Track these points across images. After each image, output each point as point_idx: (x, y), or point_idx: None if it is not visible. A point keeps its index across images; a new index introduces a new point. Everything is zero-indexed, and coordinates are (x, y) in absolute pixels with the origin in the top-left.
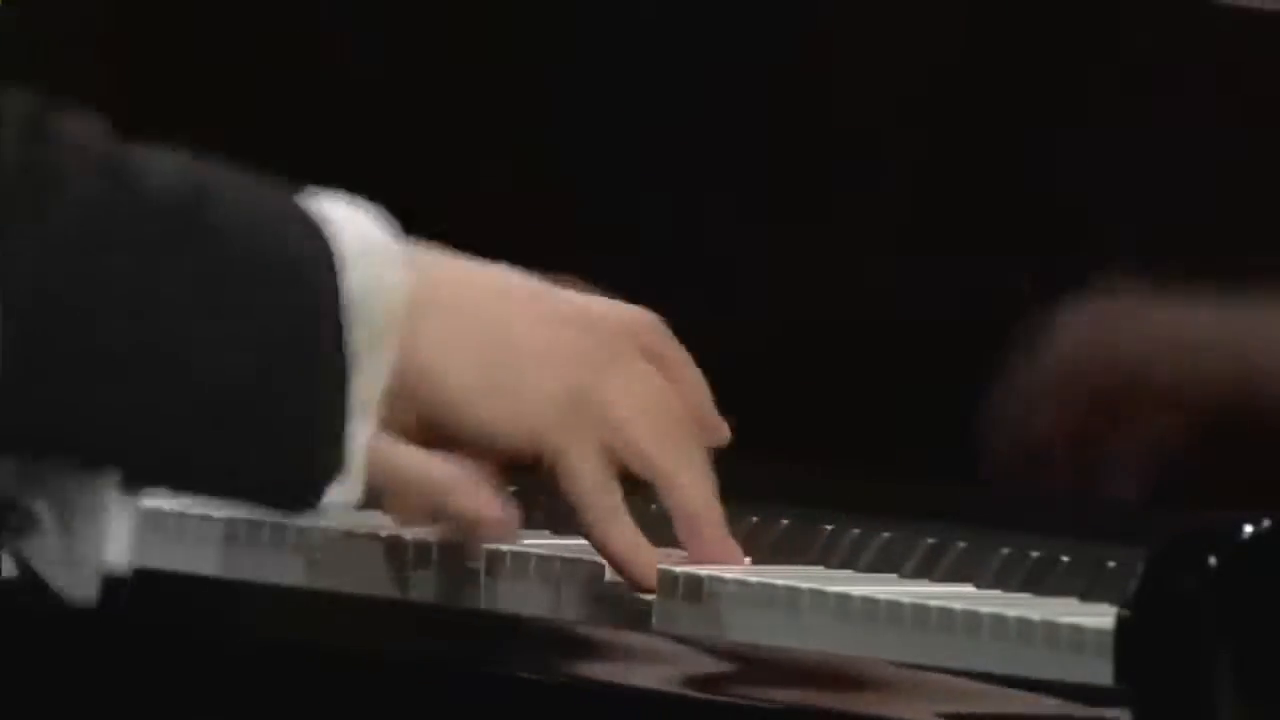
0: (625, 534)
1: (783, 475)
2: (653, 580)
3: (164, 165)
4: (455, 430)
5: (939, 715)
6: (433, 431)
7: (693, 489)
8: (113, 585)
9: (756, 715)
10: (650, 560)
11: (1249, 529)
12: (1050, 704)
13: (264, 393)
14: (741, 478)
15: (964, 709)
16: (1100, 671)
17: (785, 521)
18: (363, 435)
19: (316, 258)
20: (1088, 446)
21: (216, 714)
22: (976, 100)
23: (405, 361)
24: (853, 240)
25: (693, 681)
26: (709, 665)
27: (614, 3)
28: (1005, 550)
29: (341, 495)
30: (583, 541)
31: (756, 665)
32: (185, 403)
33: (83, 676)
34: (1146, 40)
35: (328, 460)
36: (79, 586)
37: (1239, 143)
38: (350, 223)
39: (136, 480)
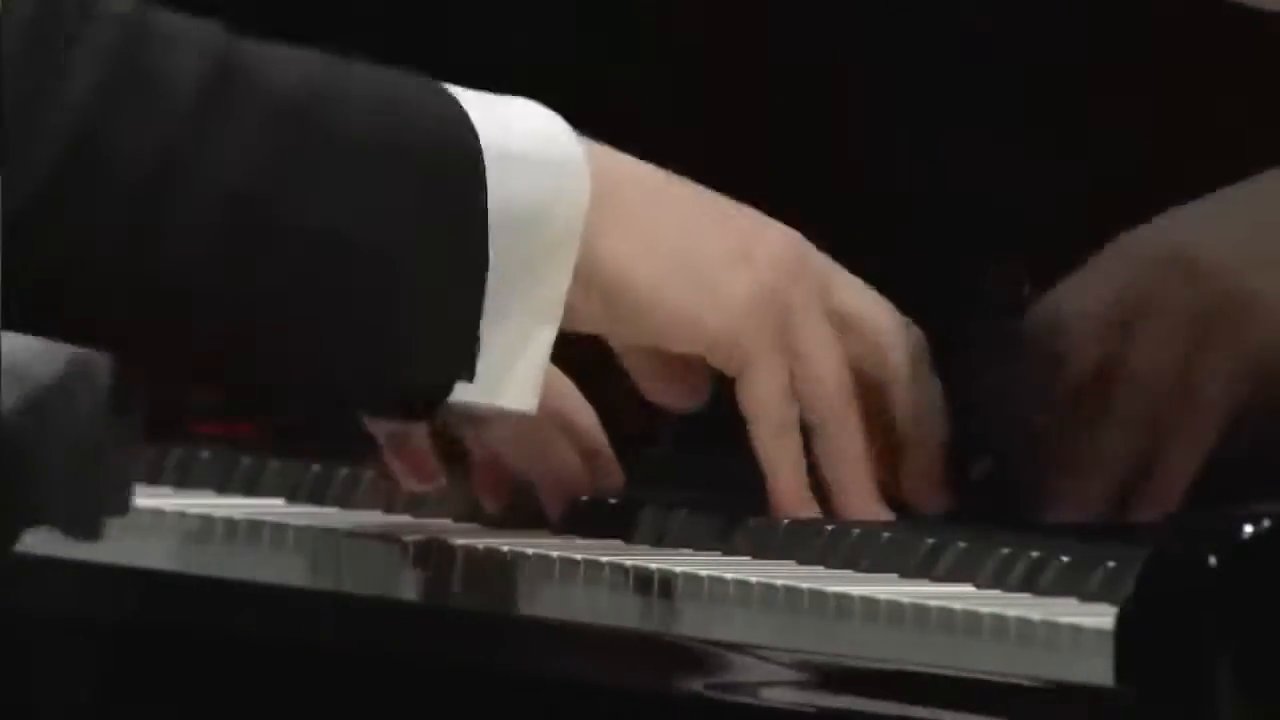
0: (792, 454)
1: None
2: (796, 508)
3: (288, 61)
4: (638, 326)
5: (939, 715)
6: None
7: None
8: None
9: (756, 715)
10: (799, 490)
11: (1249, 529)
12: (1050, 704)
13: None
14: (741, 477)
15: (964, 709)
16: (1100, 671)
17: (785, 521)
18: (546, 336)
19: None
20: (1087, 445)
21: (216, 714)
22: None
23: (587, 260)
24: (850, 239)
25: (693, 681)
26: (708, 665)
27: (614, 3)
28: (1005, 550)
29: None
30: (581, 542)
31: (756, 665)
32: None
33: (82, 677)
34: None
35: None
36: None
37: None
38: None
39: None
